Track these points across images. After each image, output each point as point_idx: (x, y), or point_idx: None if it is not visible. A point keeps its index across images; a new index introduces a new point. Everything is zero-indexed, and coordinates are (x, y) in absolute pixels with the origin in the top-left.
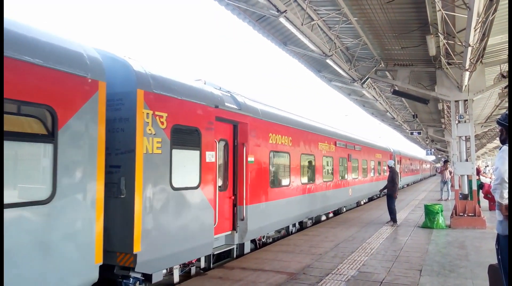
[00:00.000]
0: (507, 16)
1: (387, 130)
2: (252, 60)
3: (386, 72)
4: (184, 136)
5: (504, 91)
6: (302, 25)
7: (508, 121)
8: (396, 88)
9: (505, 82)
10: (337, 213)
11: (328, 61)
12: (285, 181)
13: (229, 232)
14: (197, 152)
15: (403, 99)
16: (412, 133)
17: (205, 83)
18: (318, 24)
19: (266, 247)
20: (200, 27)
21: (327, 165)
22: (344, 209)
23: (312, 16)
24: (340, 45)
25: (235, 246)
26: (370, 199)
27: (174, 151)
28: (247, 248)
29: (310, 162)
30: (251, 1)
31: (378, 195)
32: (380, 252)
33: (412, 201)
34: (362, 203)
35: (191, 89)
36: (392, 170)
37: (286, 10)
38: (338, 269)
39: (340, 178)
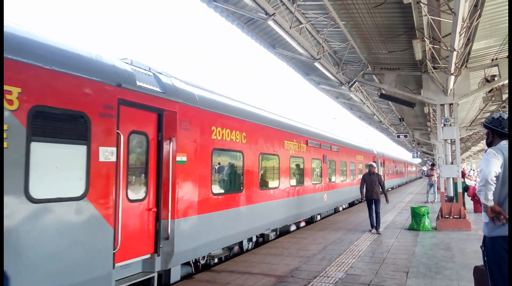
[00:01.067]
0: (490, 22)
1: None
2: (241, 62)
3: (373, 76)
4: (57, 124)
5: (488, 95)
6: (290, 28)
7: (509, 121)
8: (383, 92)
9: (489, 87)
10: (310, 222)
11: (316, 64)
12: (235, 187)
13: (149, 256)
14: (83, 148)
15: (390, 102)
16: (399, 136)
17: (131, 63)
18: (306, 28)
19: (254, 250)
20: (189, 29)
21: (296, 167)
22: (319, 217)
23: (301, 19)
24: (328, 49)
25: (155, 275)
26: (351, 204)
27: (34, 144)
28: (175, 276)
29: (272, 163)
30: (240, 3)
31: (360, 200)
32: (367, 255)
33: (398, 204)
34: (340, 209)
35: (73, 57)
36: (375, 173)
37: (274, 13)
38: (326, 271)
39: (313, 182)
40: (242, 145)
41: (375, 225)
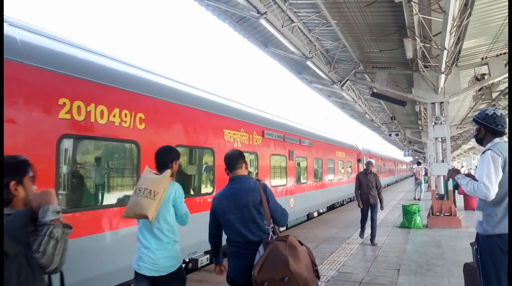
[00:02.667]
0: (480, 21)
1: (366, 132)
2: (234, 61)
3: (365, 75)
4: None
5: (478, 93)
6: (282, 27)
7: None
8: (375, 90)
9: (479, 85)
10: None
11: (308, 63)
12: (107, 196)
13: None
14: None
15: (381, 101)
16: (390, 135)
17: None
18: (298, 26)
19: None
20: (181, 26)
21: (251, 166)
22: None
23: (293, 18)
24: (320, 48)
25: None
26: (331, 208)
27: None
28: None
29: (205, 159)
30: (232, 2)
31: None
32: (359, 253)
33: (390, 202)
34: (315, 215)
35: None
36: (373, 172)
37: (266, 12)
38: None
39: (272, 185)
40: (135, 133)
41: (371, 232)
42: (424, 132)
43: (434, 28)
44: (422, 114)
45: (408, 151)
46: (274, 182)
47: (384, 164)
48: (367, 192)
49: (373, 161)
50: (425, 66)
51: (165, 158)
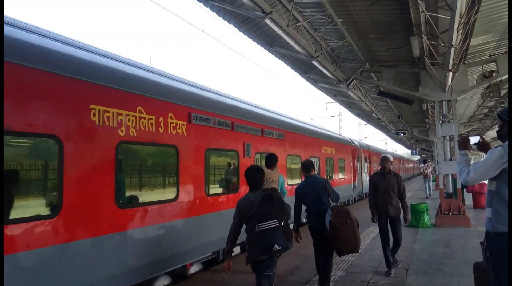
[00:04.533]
0: (488, 18)
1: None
2: (240, 61)
3: (371, 73)
4: None
5: (487, 91)
6: (287, 26)
7: (509, 120)
8: (381, 89)
9: (488, 82)
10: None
11: (314, 62)
12: None
13: None
14: None
15: (388, 99)
16: (397, 134)
17: None
18: (303, 26)
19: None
20: (186, 28)
21: (155, 168)
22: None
23: (298, 17)
24: (325, 47)
25: None
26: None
27: None
28: None
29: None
30: (236, 2)
31: (372, 219)
32: (367, 252)
33: None
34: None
35: None
36: (392, 172)
37: (271, 12)
38: None
39: (209, 193)
40: None
41: (391, 261)
42: (432, 130)
43: (441, 25)
44: (430, 112)
45: (416, 149)
46: (215, 190)
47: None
48: (384, 200)
49: (389, 156)
50: (432, 64)
51: (271, 161)
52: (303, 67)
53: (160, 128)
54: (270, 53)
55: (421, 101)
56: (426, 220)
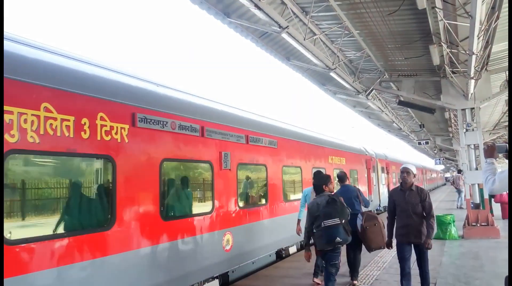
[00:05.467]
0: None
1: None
2: (257, 75)
3: (391, 83)
4: None
5: None
6: (304, 40)
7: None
8: (401, 99)
9: None
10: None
11: (332, 74)
12: None
13: None
14: None
15: (409, 109)
16: (420, 143)
17: None
18: (320, 38)
19: (276, 263)
20: (203, 44)
21: (73, 187)
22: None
23: (314, 30)
24: (343, 58)
25: None
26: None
27: None
28: None
29: None
30: (253, 18)
31: (386, 246)
32: (392, 266)
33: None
34: (292, 250)
35: None
36: (416, 187)
37: (288, 26)
38: (350, 284)
39: (165, 216)
40: None
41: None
42: (455, 139)
43: (460, 33)
44: (453, 121)
45: (439, 159)
46: (176, 211)
47: None
48: (406, 222)
49: (411, 167)
50: (453, 72)
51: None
52: (321, 79)
53: (82, 133)
54: (287, 66)
55: (443, 109)
56: (453, 231)
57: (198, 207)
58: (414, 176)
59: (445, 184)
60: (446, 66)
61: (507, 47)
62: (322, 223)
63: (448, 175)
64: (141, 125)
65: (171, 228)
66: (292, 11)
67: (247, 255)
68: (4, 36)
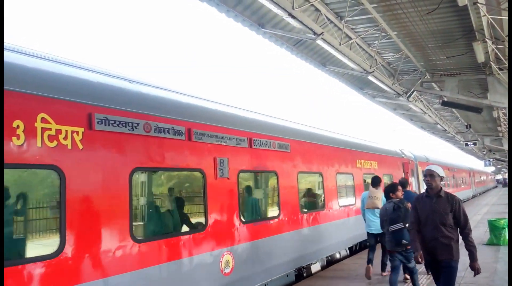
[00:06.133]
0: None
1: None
2: (293, 83)
3: (433, 83)
4: None
5: None
6: (340, 45)
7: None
8: (445, 99)
9: None
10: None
11: (370, 77)
12: None
13: None
14: None
15: (453, 109)
16: (467, 145)
17: None
18: (356, 42)
19: (319, 273)
20: (238, 54)
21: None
22: None
23: (350, 35)
24: (381, 61)
25: None
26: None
27: None
28: None
29: None
30: (288, 27)
31: (415, 260)
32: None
33: (474, 216)
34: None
35: None
36: (444, 193)
37: (322, 32)
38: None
39: (137, 238)
40: None
41: None
42: (506, 139)
43: (506, 27)
44: (502, 120)
45: (489, 160)
46: (161, 230)
47: (453, 176)
48: (433, 234)
49: (434, 169)
50: (500, 69)
51: (376, 182)
52: (359, 83)
53: (14, 139)
54: (323, 72)
55: (490, 108)
56: (507, 236)
57: (184, 224)
58: (441, 179)
59: (496, 187)
60: (492, 63)
61: None
62: (389, 228)
63: (499, 177)
64: (101, 127)
65: (150, 251)
66: (327, 17)
67: (254, 277)
68: None
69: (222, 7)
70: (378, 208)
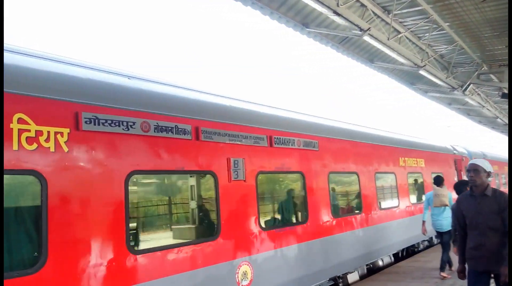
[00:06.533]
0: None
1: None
2: (339, 81)
3: (491, 75)
4: None
5: None
6: (388, 39)
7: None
8: (505, 91)
9: None
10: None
11: (422, 72)
12: None
13: None
14: None
15: None
16: None
17: None
18: (406, 36)
19: (372, 276)
20: (281, 56)
21: None
22: None
23: (399, 29)
24: (433, 54)
25: None
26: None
27: None
28: None
29: None
30: (332, 25)
31: (458, 271)
32: None
33: None
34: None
35: None
36: (492, 190)
37: (369, 28)
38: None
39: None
40: None
41: None
42: None
43: None
44: None
45: None
46: (164, 240)
47: None
48: (480, 241)
49: (479, 163)
50: None
51: (439, 181)
52: (409, 78)
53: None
54: (371, 69)
55: None
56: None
57: (193, 232)
58: (489, 175)
59: None
60: None
61: None
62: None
63: None
64: (89, 127)
65: (150, 263)
66: (373, 12)
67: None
68: None
69: (265, 10)
70: (446, 205)
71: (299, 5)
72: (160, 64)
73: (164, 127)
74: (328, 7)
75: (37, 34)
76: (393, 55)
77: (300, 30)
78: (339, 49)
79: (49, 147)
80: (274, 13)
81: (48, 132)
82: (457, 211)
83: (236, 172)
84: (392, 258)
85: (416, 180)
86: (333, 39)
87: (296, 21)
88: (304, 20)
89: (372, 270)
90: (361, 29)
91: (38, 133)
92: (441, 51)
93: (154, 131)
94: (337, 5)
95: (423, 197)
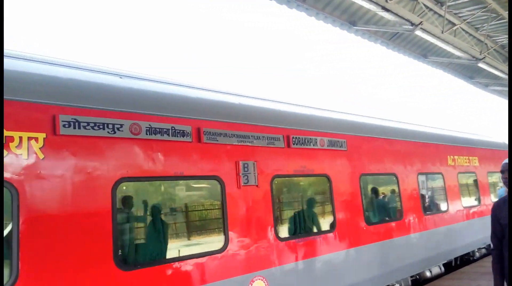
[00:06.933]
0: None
1: None
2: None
3: None
4: None
5: None
6: (442, 33)
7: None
8: None
9: None
10: None
11: (481, 64)
12: None
13: None
14: None
15: None
16: None
17: None
18: (461, 28)
19: (433, 282)
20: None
21: None
22: None
23: (453, 21)
24: (493, 45)
25: None
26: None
27: None
28: None
29: None
30: (381, 21)
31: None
32: None
33: None
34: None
35: None
36: None
37: (421, 22)
38: None
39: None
40: None
41: None
42: None
43: None
44: None
45: None
46: (160, 253)
47: None
48: None
49: None
50: None
51: None
52: (467, 72)
53: None
54: (425, 64)
55: None
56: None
57: (195, 245)
58: None
59: None
60: None
61: None
62: None
63: None
64: (68, 131)
65: (143, 281)
66: (425, 5)
67: None
68: None
69: (311, 11)
70: None
71: (345, 3)
72: (174, 65)
73: (158, 129)
74: (377, 4)
75: (36, 34)
76: (449, 48)
77: (347, 29)
78: (389, 45)
79: (21, 154)
80: (320, 13)
81: (20, 137)
82: (494, 219)
83: (246, 177)
84: (442, 269)
85: (468, 181)
86: (383, 35)
87: (342, 19)
88: (351, 18)
89: (419, 282)
90: (412, 24)
91: (9, 139)
92: (502, 41)
93: (146, 134)
94: (386, 0)
95: (476, 201)
